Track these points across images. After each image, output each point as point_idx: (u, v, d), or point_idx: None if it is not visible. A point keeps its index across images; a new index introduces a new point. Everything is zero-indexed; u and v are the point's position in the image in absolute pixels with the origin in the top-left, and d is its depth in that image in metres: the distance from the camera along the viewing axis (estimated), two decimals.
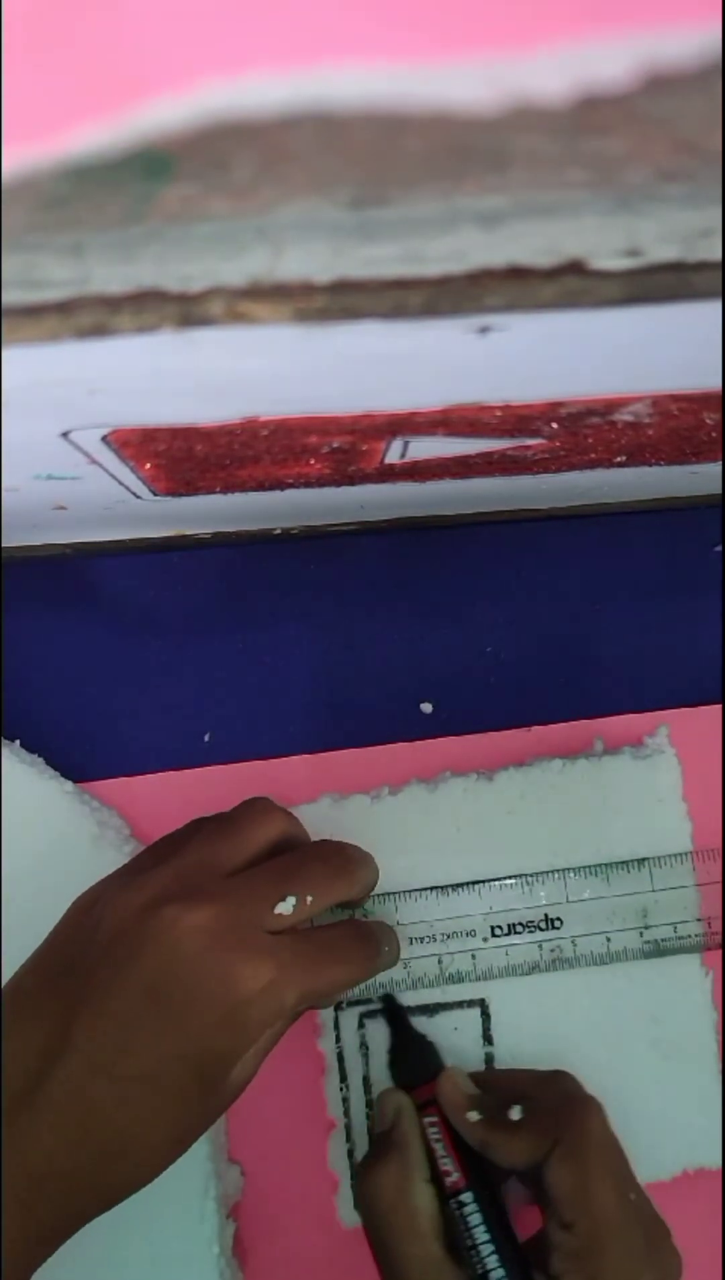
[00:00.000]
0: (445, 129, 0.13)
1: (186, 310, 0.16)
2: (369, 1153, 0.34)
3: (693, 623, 0.41)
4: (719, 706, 0.40)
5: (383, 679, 0.41)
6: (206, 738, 0.40)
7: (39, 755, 0.39)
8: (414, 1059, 0.36)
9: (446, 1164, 0.33)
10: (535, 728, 0.40)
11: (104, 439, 0.24)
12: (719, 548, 0.42)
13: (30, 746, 0.39)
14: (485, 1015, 0.37)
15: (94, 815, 0.38)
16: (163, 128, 0.12)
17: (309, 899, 0.31)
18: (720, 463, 0.32)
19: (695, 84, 0.12)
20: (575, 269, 0.16)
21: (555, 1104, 0.33)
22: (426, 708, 0.41)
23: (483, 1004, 0.37)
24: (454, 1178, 0.33)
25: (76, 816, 0.38)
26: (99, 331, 0.17)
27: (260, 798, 0.35)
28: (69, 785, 0.38)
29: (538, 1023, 0.37)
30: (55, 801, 0.38)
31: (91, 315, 0.16)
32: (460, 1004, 0.38)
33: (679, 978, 0.38)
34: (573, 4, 0.11)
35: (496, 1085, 0.35)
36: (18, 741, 0.39)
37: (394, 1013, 0.37)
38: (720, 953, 0.38)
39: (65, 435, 0.23)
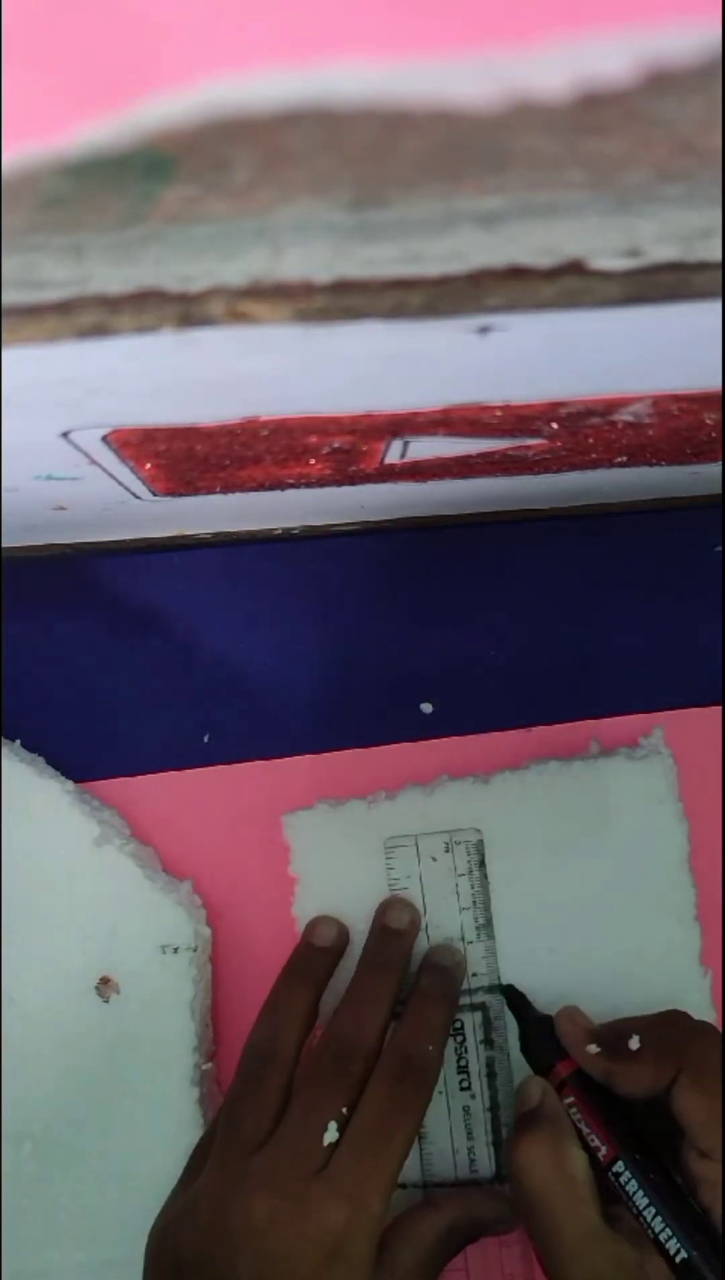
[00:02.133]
0: (445, 128, 0.13)
1: (186, 310, 0.16)
2: (515, 1130, 0.34)
3: (692, 623, 0.41)
4: (715, 708, 0.40)
5: (383, 679, 0.41)
6: (206, 738, 0.40)
7: (39, 755, 0.39)
8: (542, 1042, 0.36)
9: (593, 1139, 0.33)
10: (534, 729, 0.40)
11: (104, 439, 0.24)
12: (719, 548, 0.42)
13: (30, 746, 0.39)
14: (487, 1020, 0.37)
15: (94, 815, 0.38)
16: (163, 124, 0.12)
17: (343, 1110, 0.32)
18: (720, 463, 0.32)
19: (695, 83, 0.12)
20: (575, 269, 0.16)
21: (675, 1034, 0.33)
22: (426, 708, 0.41)
23: (483, 1007, 0.37)
24: (604, 1151, 0.32)
25: (77, 816, 0.38)
26: (99, 331, 0.17)
27: (252, 1049, 0.34)
28: (69, 785, 0.38)
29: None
30: (56, 801, 0.38)
31: (91, 315, 0.16)
32: (462, 1007, 0.37)
33: (679, 978, 0.38)
34: (573, 2, 0.11)
35: (615, 1026, 0.35)
36: (18, 741, 0.39)
37: (515, 1000, 0.37)
38: (719, 952, 0.38)
39: (65, 435, 0.23)
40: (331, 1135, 0.31)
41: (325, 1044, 0.34)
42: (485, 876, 0.38)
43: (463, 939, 0.37)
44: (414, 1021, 0.34)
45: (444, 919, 0.38)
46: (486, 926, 0.38)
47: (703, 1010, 0.38)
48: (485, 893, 0.38)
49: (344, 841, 0.38)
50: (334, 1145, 0.31)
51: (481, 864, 0.38)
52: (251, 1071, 0.34)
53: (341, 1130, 0.31)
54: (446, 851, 0.38)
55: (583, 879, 0.38)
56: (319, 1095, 0.32)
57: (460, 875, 0.38)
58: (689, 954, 0.38)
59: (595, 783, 0.38)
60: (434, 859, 0.38)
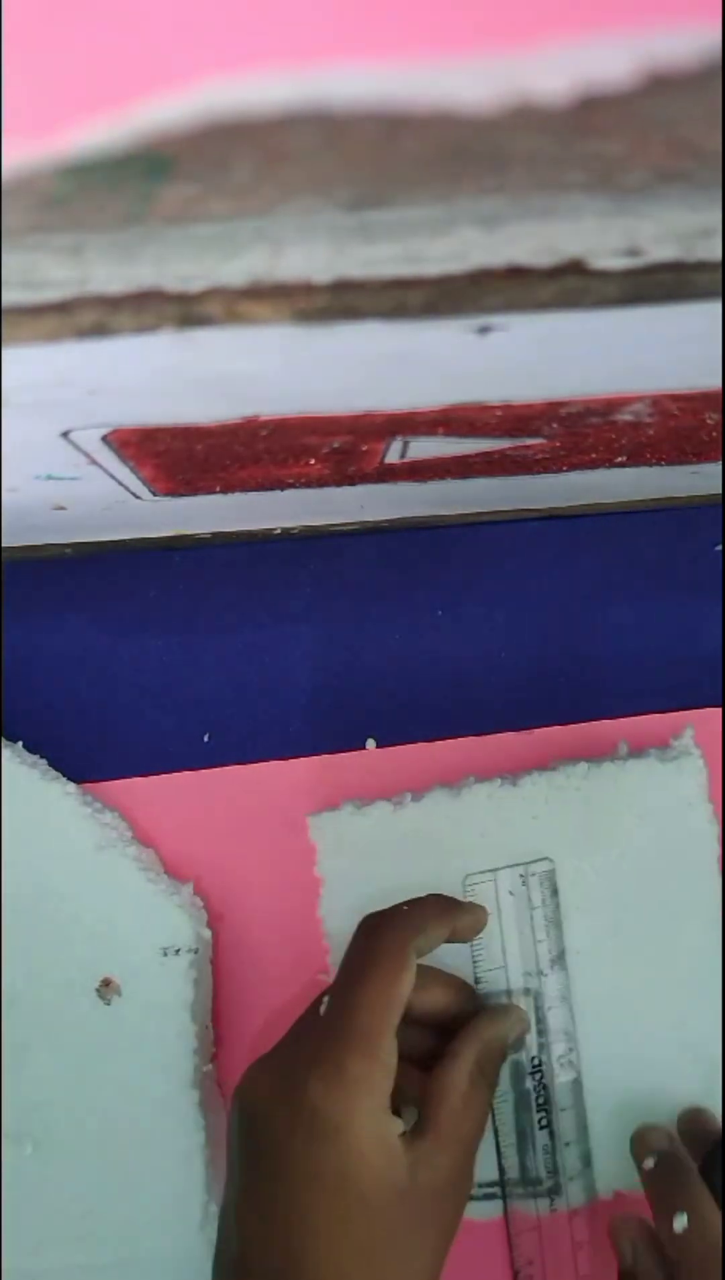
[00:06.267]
0: (445, 129, 0.13)
1: (186, 310, 0.16)
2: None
3: (691, 623, 0.41)
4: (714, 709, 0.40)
5: (382, 679, 0.41)
6: (206, 738, 0.40)
7: (40, 756, 0.39)
8: None
9: None
10: (536, 730, 0.40)
11: (104, 439, 0.24)
12: (719, 547, 0.42)
13: (31, 747, 0.39)
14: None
15: (95, 817, 0.38)
16: (163, 127, 0.12)
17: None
18: (720, 463, 0.32)
19: (695, 84, 0.12)
20: (575, 269, 0.16)
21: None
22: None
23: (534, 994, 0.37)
24: None
25: (78, 819, 0.38)
26: (99, 331, 0.17)
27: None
28: (71, 787, 0.38)
29: (558, 1022, 0.37)
30: (57, 803, 0.38)
31: (91, 315, 0.16)
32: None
33: (703, 980, 0.37)
34: (573, 4, 0.11)
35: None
36: (19, 744, 0.39)
37: None
38: None
39: (65, 435, 0.23)
40: (326, 1004, 0.31)
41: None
42: (558, 907, 0.37)
43: (539, 971, 0.37)
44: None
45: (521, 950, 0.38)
46: (560, 959, 0.37)
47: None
48: (559, 924, 0.37)
49: (371, 843, 0.38)
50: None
51: (554, 893, 0.37)
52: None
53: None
54: (523, 885, 0.38)
55: (610, 881, 0.38)
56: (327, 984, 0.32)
57: (534, 908, 0.37)
58: (714, 955, 0.37)
59: (625, 785, 0.38)
60: (512, 893, 0.38)
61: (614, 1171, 0.37)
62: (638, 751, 0.39)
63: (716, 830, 0.38)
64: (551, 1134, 0.37)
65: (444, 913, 0.34)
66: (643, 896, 0.37)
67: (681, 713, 0.40)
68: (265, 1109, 0.29)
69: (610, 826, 0.38)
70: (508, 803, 0.38)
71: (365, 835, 0.38)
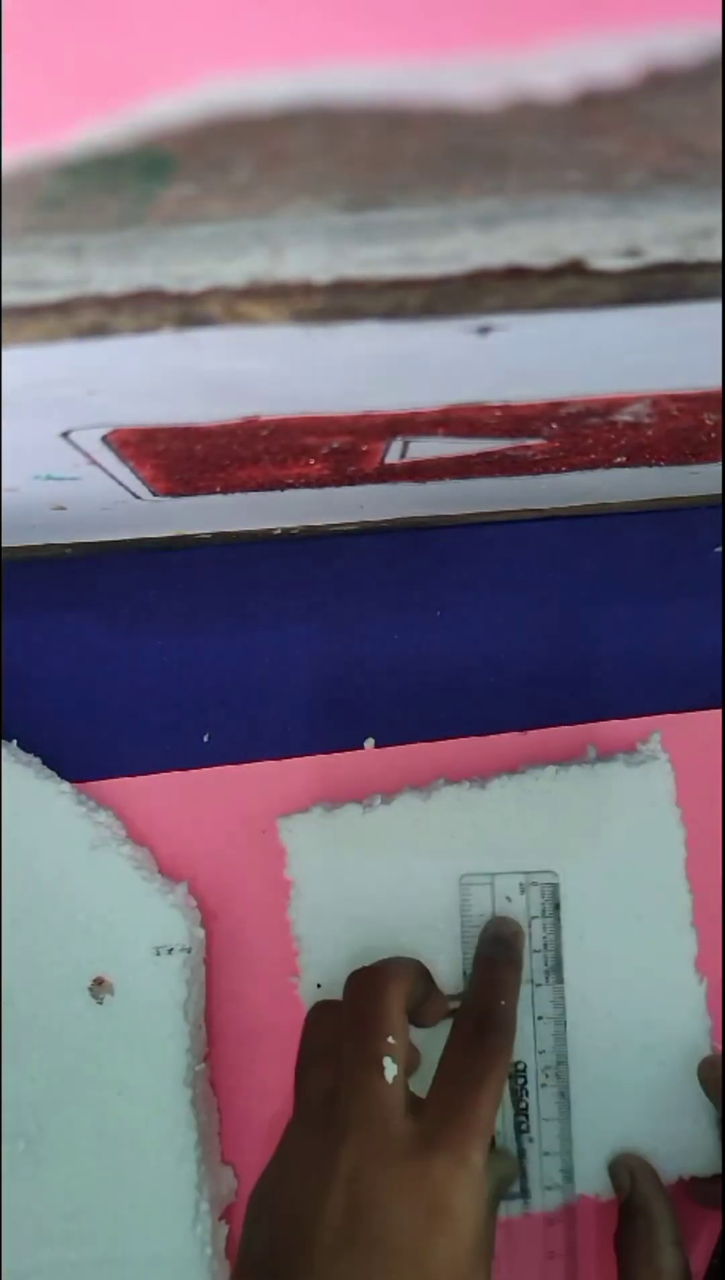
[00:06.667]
0: (444, 129, 0.13)
1: (186, 310, 0.16)
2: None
3: (692, 624, 0.41)
4: (712, 711, 0.40)
5: (382, 679, 0.41)
6: (206, 738, 0.40)
7: (36, 755, 0.39)
8: None
9: None
10: (532, 731, 0.40)
11: (104, 439, 0.24)
12: (719, 548, 0.42)
13: (27, 746, 0.39)
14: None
15: (90, 816, 0.38)
16: (163, 125, 0.12)
17: (391, 1039, 0.31)
18: (720, 463, 0.32)
19: (695, 83, 0.12)
20: (574, 269, 0.16)
21: None
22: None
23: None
24: None
25: (73, 817, 0.38)
26: (99, 331, 0.17)
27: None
28: (65, 785, 0.38)
29: (531, 1027, 0.37)
30: (52, 802, 0.38)
31: (91, 315, 0.16)
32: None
33: (673, 984, 0.37)
34: (573, 1, 0.11)
35: None
36: (15, 741, 0.39)
37: None
38: (715, 958, 0.38)
39: (65, 435, 0.23)
40: (392, 1070, 0.31)
41: (349, 988, 0.34)
42: (559, 921, 0.37)
43: (532, 981, 0.37)
44: (485, 981, 0.35)
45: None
46: (556, 969, 0.37)
47: (696, 1017, 0.37)
48: (558, 937, 0.37)
49: (340, 846, 0.38)
50: (405, 1088, 0.31)
51: (557, 908, 0.37)
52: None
53: (399, 1067, 0.31)
54: (521, 893, 0.38)
55: (578, 884, 0.38)
56: (364, 1033, 0.32)
57: (533, 917, 0.37)
58: (684, 960, 0.37)
59: (592, 788, 0.38)
60: (509, 899, 0.38)
61: (587, 1176, 0.37)
62: (606, 755, 0.39)
63: (684, 835, 0.38)
64: (518, 1130, 0.37)
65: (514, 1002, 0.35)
66: (610, 899, 0.37)
67: (679, 715, 0.40)
68: (386, 1197, 0.29)
69: (578, 829, 0.37)
70: (477, 806, 0.38)
71: (334, 838, 0.38)
